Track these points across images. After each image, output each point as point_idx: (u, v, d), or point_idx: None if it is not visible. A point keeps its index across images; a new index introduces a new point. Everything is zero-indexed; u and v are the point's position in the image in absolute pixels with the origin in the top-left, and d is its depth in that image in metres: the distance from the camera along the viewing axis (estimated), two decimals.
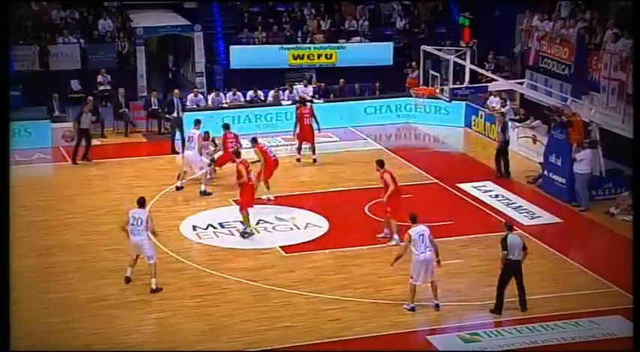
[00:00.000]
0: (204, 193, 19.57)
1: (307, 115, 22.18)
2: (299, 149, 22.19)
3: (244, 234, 17.17)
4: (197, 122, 20.35)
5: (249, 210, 17.25)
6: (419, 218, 14.40)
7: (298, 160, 22.01)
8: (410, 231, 14.13)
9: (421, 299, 14.59)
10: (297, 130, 22.12)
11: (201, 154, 19.81)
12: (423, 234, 14.03)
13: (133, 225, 14.81)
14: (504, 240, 14.17)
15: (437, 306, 14.29)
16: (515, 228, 14.91)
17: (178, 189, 19.86)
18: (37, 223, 17.92)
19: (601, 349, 13.25)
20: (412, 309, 14.25)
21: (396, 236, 16.62)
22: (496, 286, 14.26)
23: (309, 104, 22.94)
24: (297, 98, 25.11)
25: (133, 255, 15.11)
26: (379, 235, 16.98)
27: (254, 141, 19.44)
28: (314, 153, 22.09)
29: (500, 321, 14.06)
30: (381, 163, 16.99)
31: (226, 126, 20.62)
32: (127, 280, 15.16)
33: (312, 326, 13.81)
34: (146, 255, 14.88)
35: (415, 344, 13.70)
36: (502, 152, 21.13)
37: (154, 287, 14.83)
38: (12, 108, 26.21)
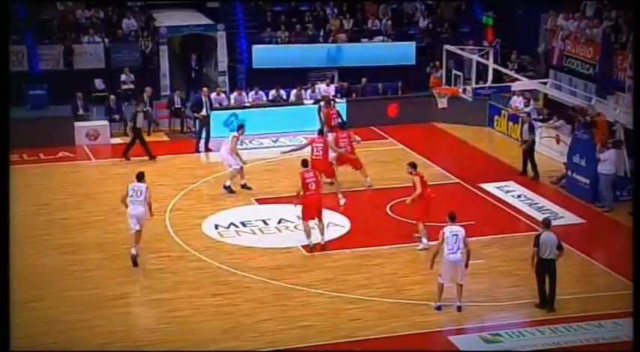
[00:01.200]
0: (227, 188, 19.58)
1: (335, 116, 22.09)
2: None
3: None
4: (240, 127, 20.29)
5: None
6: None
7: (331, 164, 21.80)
8: (445, 229, 14.02)
9: (442, 299, 14.51)
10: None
11: (231, 155, 19.61)
12: (457, 235, 13.90)
13: (132, 197, 15.64)
14: (538, 236, 14.09)
15: (459, 308, 14.19)
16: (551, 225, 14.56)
17: (244, 187, 19.83)
18: (58, 221, 18.04)
19: (624, 351, 13.10)
20: (438, 308, 14.18)
21: (424, 240, 16.47)
22: (537, 283, 14.23)
23: (333, 104, 22.89)
24: (320, 97, 25.08)
25: (131, 229, 15.64)
26: (416, 235, 16.76)
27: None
28: None
29: (523, 322, 13.95)
30: (413, 165, 16.77)
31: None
32: (134, 259, 15.63)
33: (332, 326, 13.78)
34: (139, 224, 15.63)
35: (437, 344, 13.62)
36: (530, 151, 20.99)
37: (134, 252, 15.66)
38: (37, 107, 26.88)
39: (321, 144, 19.05)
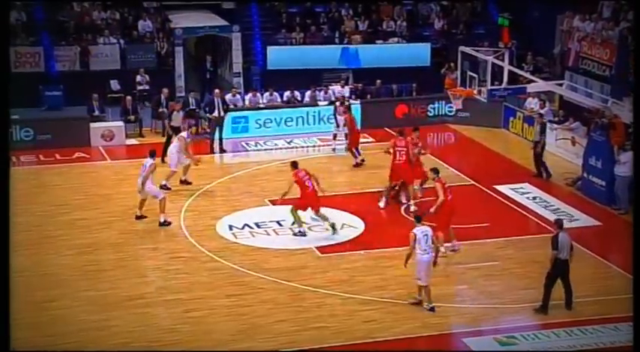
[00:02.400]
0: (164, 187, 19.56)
1: (355, 120, 22.08)
2: (353, 153, 21.79)
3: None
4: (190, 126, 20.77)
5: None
6: (456, 219, 14.27)
7: (358, 164, 21.69)
8: (414, 231, 14.09)
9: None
10: (349, 134, 21.97)
11: (177, 154, 19.68)
12: (427, 235, 14.03)
13: (142, 171, 17.69)
14: (555, 238, 14.01)
15: (432, 309, 14.17)
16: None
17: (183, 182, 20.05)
18: (75, 222, 18.13)
19: None
20: (432, 309, 14.18)
21: (445, 245, 16.26)
22: (543, 285, 14.12)
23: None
24: (333, 99, 25.12)
25: (139, 197, 17.79)
26: (448, 244, 16.47)
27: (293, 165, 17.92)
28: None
29: (538, 324, 13.92)
30: (435, 171, 16.62)
31: (409, 132, 19.43)
32: (138, 217, 17.93)
33: (347, 327, 13.79)
34: (151, 194, 17.67)
35: (451, 346, 13.61)
36: (541, 153, 20.96)
37: (161, 220, 17.66)
38: (53, 108, 27.02)
39: (404, 149, 18.59)
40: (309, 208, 17.26)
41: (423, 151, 19.46)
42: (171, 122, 22.46)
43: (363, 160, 21.76)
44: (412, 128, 19.84)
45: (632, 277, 11.50)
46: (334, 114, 23.39)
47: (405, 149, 18.53)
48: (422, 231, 14.06)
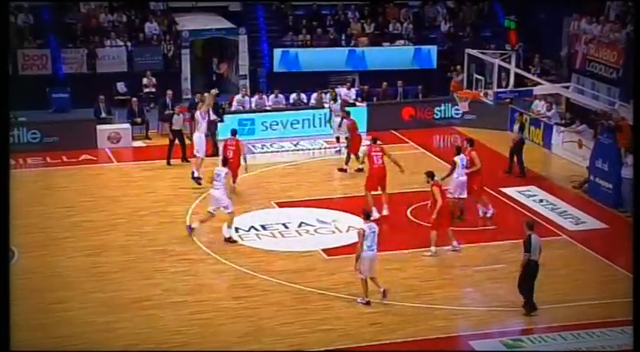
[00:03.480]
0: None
1: (356, 124, 21.96)
2: (357, 158, 21.32)
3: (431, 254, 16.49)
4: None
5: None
6: (456, 223, 14.25)
7: (345, 170, 21.46)
8: (364, 227, 14.25)
9: (463, 304, 14.50)
10: (349, 140, 21.72)
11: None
12: (374, 231, 14.24)
13: (215, 181, 17.12)
14: (528, 240, 13.96)
15: (384, 293, 14.44)
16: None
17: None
18: (82, 224, 18.16)
19: None
20: (367, 303, 14.32)
21: (444, 248, 16.48)
22: (520, 290, 14.10)
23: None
24: (340, 101, 25.15)
25: (210, 208, 17.21)
26: (455, 243, 16.66)
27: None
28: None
29: (544, 327, 13.89)
30: (430, 175, 16.66)
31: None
32: (190, 229, 17.39)
33: (353, 330, 13.79)
34: (223, 206, 17.00)
35: (457, 348, 13.59)
36: (517, 150, 21.24)
37: (226, 235, 17.02)
38: (60, 110, 27.12)
39: (380, 153, 18.48)
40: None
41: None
42: (173, 125, 22.43)
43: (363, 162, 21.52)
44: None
45: (632, 276, 11.46)
46: (330, 118, 23.24)
47: (380, 153, 18.45)
48: (370, 227, 14.27)
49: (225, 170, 17.28)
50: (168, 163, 22.07)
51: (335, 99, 23.61)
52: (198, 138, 20.38)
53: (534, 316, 14.16)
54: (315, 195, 19.58)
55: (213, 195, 17.19)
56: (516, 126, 21.65)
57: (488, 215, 18.11)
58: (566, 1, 26.63)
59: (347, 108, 23.31)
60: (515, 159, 21.43)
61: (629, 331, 13.50)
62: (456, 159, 17.93)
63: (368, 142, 19.44)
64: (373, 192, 18.33)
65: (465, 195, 17.92)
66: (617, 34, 23.37)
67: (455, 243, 16.61)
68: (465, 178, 17.87)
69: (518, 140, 21.36)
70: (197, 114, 20.63)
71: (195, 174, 20.00)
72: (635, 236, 12.70)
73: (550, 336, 13.61)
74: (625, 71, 21.88)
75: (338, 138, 23.18)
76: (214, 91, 22.20)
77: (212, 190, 17.18)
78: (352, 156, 21.52)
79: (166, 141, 22.78)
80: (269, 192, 20.17)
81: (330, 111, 23.52)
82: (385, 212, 18.28)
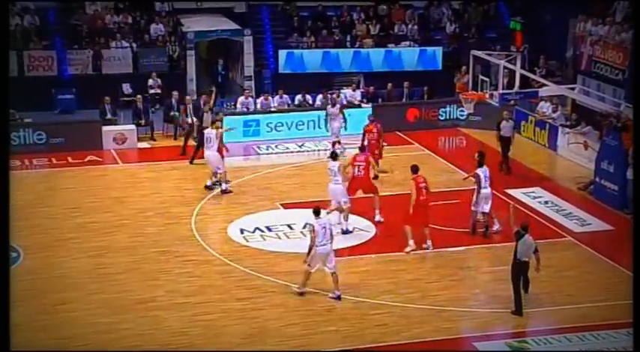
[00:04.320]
0: (224, 191, 19.73)
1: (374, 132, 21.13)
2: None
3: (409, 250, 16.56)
4: (214, 121, 20.37)
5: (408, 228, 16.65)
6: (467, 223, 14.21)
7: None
8: (314, 223, 14.48)
9: (468, 305, 14.45)
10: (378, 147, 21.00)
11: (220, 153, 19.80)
12: (325, 227, 14.46)
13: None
14: (517, 239, 14.12)
15: (338, 298, 14.53)
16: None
17: (208, 188, 19.94)
18: (87, 225, 18.18)
19: None
20: (302, 293, 14.60)
21: (411, 242, 16.54)
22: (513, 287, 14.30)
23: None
24: (345, 102, 25.14)
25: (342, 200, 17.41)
26: (429, 243, 16.73)
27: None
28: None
29: (550, 329, 13.85)
30: (414, 169, 16.67)
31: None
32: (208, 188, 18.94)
33: (357, 331, 13.77)
34: (342, 201, 17.32)
35: (462, 350, 13.55)
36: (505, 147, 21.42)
37: (349, 229, 17.49)
38: (66, 111, 27.18)
39: (363, 163, 17.99)
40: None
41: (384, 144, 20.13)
42: (203, 124, 21.96)
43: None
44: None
45: (632, 276, 11.43)
46: (326, 121, 22.94)
47: (364, 163, 17.74)
48: (321, 224, 14.48)
49: (337, 163, 17.37)
50: (191, 162, 22.08)
51: (334, 104, 23.19)
52: (213, 156, 19.84)
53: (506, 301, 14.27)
54: (321, 197, 19.54)
55: (331, 189, 17.45)
56: (510, 124, 21.69)
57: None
58: (572, 3, 26.59)
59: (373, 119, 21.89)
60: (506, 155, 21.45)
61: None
62: (479, 172, 17.30)
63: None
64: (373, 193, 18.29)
65: (487, 210, 17.24)
66: (624, 34, 23.30)
67: (429, 242, 16.55)
68: (488, 191, 17.19)
69: (499, 137, 21.55)
70: (210, 131, 19.94)
71: (225, 187, 19.84)
72: (634, 236, 12.66)
73: (555, 338, 13.58)
74: (630, 72, 21.82)
75: (334, 144, 22.59)
76: (188, 98, 22.60)
77: (331, 185, 17.37)
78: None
79: (171, 142, 22.80)
80: (274, 193, 20.17)
81: (327, 114, 23.16)
82: (378, 217, 18.08)
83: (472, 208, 17.31)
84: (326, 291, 15.07)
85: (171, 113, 24.45)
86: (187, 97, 24.10)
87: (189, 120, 23.24)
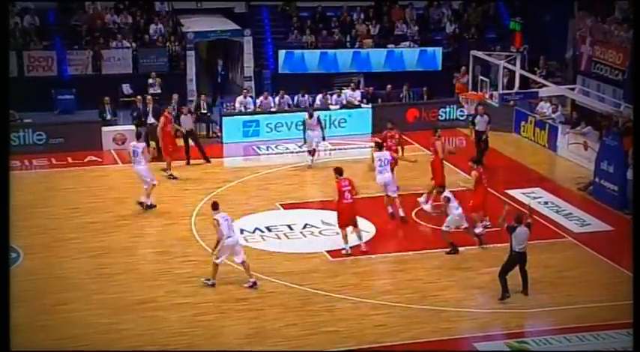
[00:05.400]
0: (149, 207, 18.79)
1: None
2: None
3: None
4: (139, 135, 19.54)
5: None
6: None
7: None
8: (217, 217, 14.80)
9: (467, 306, 14.46)
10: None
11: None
12: (228, 220, 14.91)
13: (132, 156, 18.57)
14: (511, 232, 14.39)
15: (254, 284, 14.99)
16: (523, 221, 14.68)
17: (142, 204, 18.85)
18: (87, 225, 18.18)
19: None
20: (212, 285, 14.95)
21: (345, 245, 16.52)
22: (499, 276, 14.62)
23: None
24: (345, 102, 25.12)
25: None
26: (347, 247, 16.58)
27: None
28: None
29: (549, 329, 13.86)
30: (337, 171, 16.57)
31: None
32: (141, 204, 18.43)
33: (357, 332, 13.77)
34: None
35: (462, 350, 13.56)
36: (477, 140, 21.68)
37: (148, 203, 18.51)
38: (66, 112, 27.12)
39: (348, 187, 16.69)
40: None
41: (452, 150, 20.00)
42: (182, 126, 22.27)
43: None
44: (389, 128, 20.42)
45: (632, 275, 11.44)
46: (303, 129, 22.23)
47: (349, 187, 16.59)
48: (223, 217, 14.87)
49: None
50: (188, 163, 22.11)
51: (310, 116, 22.16)
52: (143, 170, 18.88)
53: (506, 301, 14.46)
54: (320, 197, 19.57)
55: (135, 171, 18.55)
56: (485, 118, 21.76)
57: (348, 252, 16.55)
58: (572, 3, 26.59)
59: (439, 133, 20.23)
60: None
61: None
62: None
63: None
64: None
65: (466, 225, 16.66)
66: (623, 34, 23.30)
67: (347, 246, 16.49)
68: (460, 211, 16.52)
69: (474, 131, 21.83)
70: (137, 145, 18.96)
71: (149, 202, 18.79)
72: (634, 237, 12.67)
73: (555, 338, 13.58)
74: (630, 73, 21.82)
75: (310, 152, 22.10)
76: (139, 97, 22.98)
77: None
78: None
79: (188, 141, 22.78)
80: (274, 193, 20.17)
81: (304, 124, 22.34)
82: (401, 213, 18.20)
83: (444, 229, 16.66)
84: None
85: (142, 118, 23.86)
86: (148, 97, 23.84)
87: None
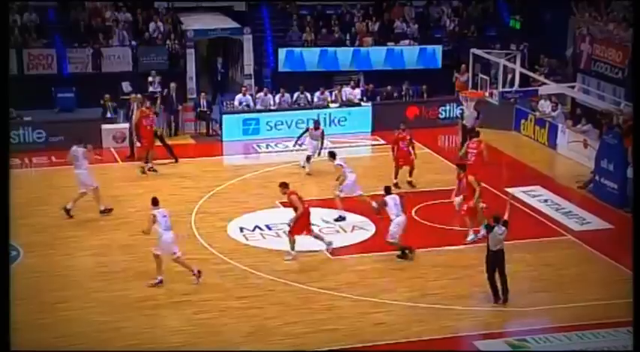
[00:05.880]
0: (103, 211, 18.57)
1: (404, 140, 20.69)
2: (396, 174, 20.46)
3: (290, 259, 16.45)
4: (80, 140, 19.00)
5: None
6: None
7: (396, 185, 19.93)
8: (154, 212, 15.04)
9: (468, 304, 14.46)
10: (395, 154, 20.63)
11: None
12: (166, 216, 15.12)
13: (74, 161, 18.28)
14: (489, 232, 14.31)
15: (160, 282, 15.05)
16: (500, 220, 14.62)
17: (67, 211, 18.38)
18: (86, 223, 18.18)
19: None
20: (160, 282, 15.06)
21: (293, 252, 16.32)
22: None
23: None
24: (345, 100, 25.12)
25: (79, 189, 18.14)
26: (292, 252, 16.44)
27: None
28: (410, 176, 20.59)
29: (549, 327, 13.86)
30: (283, 185, 16.51)
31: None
32: (66, 211, 18.07)
33: (358, 330, 13.77)
34: (85, 185, 18.20)
35: (462, 349, 13.56)
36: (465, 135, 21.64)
37: (101, 208, 18.28)
38: (66, 110, 27.09)
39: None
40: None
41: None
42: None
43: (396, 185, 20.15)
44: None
45: (632, 273, 11.43)
46: (300, 136, 21.94)
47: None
48: (161, 212, 15.11)
49: (82, 150, 18.23)
50: (176, 160, 22.15)
51: (317, 128, 21.72)
52: (83, 175, 18.52)
53: (500, 307, 14.37)
54: (320, 195, 19.56)
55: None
56: (474, 114, 21.88)
57: (290, 258, 16.42)
58: (572, 1, 26.58)
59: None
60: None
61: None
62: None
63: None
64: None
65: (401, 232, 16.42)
66: (623, 32, 23.29)
67: (292, 252, 16.37)
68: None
69: (462, 126, 21.89)
70: (76, 149, 18.58)
71: (101, 208, 18.54)
72: (634, 235, 12.64)
73: (555, 336, 13.58)
74: (630, 71, 21.81)
75: (309, 158, 21.73)
76: (107, 95, 23.22)
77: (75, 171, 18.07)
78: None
79: (170, 141, 22.77)
80: (274, 191, 20.10)
81: (308, 132, 21.88)
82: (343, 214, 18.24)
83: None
84: (327, 290, 15.08)
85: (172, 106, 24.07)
86: (133, 95, 23.75)
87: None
